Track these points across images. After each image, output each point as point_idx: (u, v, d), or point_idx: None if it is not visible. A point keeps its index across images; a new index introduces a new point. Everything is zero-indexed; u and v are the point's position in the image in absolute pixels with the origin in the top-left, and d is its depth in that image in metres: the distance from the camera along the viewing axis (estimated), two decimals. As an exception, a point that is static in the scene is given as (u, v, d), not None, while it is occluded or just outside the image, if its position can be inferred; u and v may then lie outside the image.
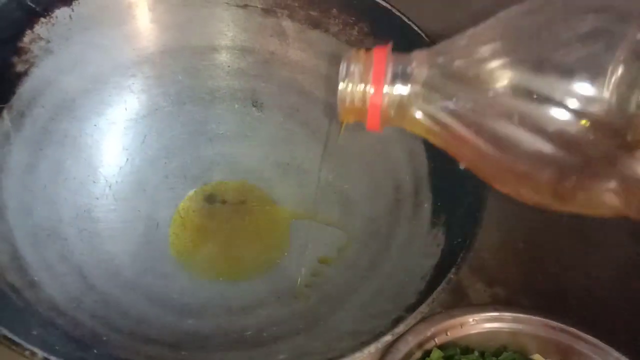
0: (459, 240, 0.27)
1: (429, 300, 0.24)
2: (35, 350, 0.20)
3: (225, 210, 0.37)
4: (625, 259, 0.42)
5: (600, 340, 0.35)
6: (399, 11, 0.36)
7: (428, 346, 0.35)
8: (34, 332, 0.22)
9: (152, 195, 0.36)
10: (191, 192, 0.38)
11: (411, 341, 0.35)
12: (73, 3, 0.34)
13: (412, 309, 0.24)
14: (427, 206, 0.32)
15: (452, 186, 0.31)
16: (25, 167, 0.32)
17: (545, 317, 0.36)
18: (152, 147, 0.38)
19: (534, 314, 0.36)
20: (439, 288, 0.24)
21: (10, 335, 0.21)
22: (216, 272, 0.34)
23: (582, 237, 0.43)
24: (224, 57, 0.40)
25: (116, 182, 0.36)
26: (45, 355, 0.20)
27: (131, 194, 0.36)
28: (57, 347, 0.21)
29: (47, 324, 0.24)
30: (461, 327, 0.36)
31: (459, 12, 0.56)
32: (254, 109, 0.41)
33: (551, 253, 0.42)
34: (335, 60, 0.40)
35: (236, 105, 0.40)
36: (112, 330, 0.27)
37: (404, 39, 0.35)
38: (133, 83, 0.38)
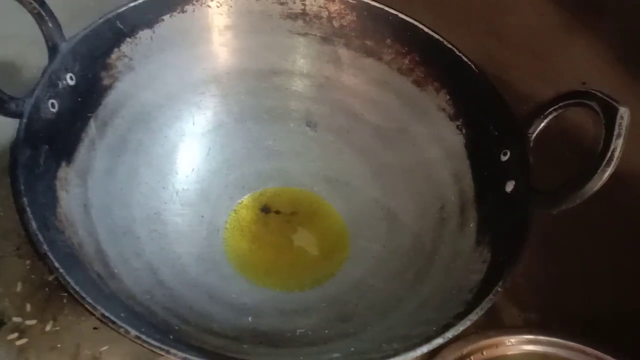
0: (505, 257, 0.29)
1: (478, 309, 0.26)
2: (129, 329, 0.23)
3: (278, 220, 0.40)
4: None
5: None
6: (450, 43, 0.38)
7: (464, 364, 0.37)
8: (123, 315, 0.25)
9: (214, 203, 0.39)
10: (248, 202, 0.41)
11: (448, 357, 0.37)
12: (155, 26, 0.38)
13: (461, 316, 0.26)
14: (472, 225, 0.34)
15: (498, 208, 0.33)
16: (106, 170, 0.35)
17: (580, 342, 0.37)
18: (215, 159, 0.41)
19: (569, 339, 0.37)
20: (488, 298, 0.26)
21: (107, 314, 0.23)
22: (270, 280, 0.37)
23: (615, 264, 0.43)
24: (282, 80, 0.43)
25: (183, 189, 0.39)
26: (137, 334, 0.23)
27: (196, 201, 0.39)
28: (142, 329, 0.24)
29: (129, 310, 0.27)
30: (497, 348, 0.38)
31: (500, 44, 0.58)
32: (307, 128, 0.43)
33: (584, 280, 0.43)
34: (385, 86, 0.43)
35: (291, 125, 0.43)
36: (181, 321, 0.29)
37: (454, 69, 0.38)
38: (201, 100, 0.41)
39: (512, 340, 0.38)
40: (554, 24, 0.63)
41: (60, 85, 0.32)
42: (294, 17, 0.41)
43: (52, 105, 0.31)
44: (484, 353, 0.38)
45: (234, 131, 0.42)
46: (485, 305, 0.26)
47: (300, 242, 0.39)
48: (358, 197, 0.41)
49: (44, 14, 0.32)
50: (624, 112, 0.28)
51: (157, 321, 0.28)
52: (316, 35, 0.42)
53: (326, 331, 0.32)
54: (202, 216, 0.38)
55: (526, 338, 0.38)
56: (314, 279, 0.37)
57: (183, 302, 0.32)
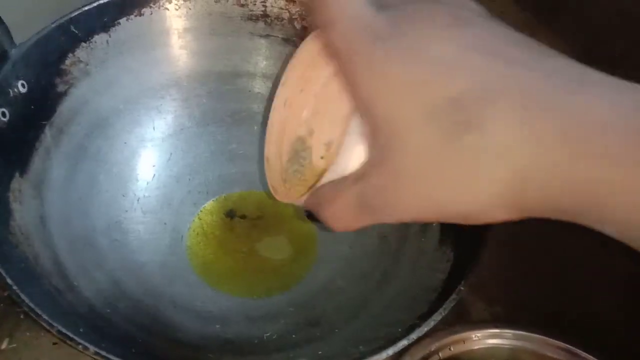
0: (467, 256, 0.29)
1: (441, 309, 0.26)
2: (87, 345, 0.22)
3: (244, 225, 0.40)
4: (623, 279, 0.44)
5: (598, 358, 0.37)
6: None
7: (432, 360, 0.37)
8: (81, 330, 0.24)
9: (177, 210, 0.39)
10: (213, 207, 0.40)
11: (416, 355, 0.37)
12: (111, 30, 0.37)
13: (425, 317, 0.27)
14: (435, 225, 0.34)
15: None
16: (64, 180, 0.34)
17: (545, 334, 0.38)
18: (177, 164, 0.40)
19: (534, 332, 0.38)
20: (450, 298, 0.27)
21: (64, 330, 0.23)
22: (237, 287, 0.36)
23: (581, 257, 0.45)
24: (245, 83, 0.42)
25: (144, 196, 0.38)
26: (96, 350, 0.22)
27: (158, 208, 0.38)
28: (102, 345, 0.23)
29: (89, 325, 0.26)
30: (464, 343, 0.38)
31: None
32: (271, 131, 0.43)
33: (551, 274, 0.44)
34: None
35: (255, 127, 0.43)
36: (144, 333, 0.29)
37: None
38: (161, 104, 0.40)
39: (478, 334, 0.38)
40: (514, 23, 0.64)
41: (11, 93, 0.31)
42: (255, 18, 0.41)
43: (3, 114, 0.30)
44: (452, 349, 0.38)
45: (196, 135, 0.41)
46: (448, 305, 0.26)
47: (266, 247, 0.39)
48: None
49: (-10, 18, 0.30)
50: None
51: (119, 334, 0.28)
52: (278, 36, 0.41)
53: (294, 336, 0.32)
54: (165, 223, 0.37)
55: (491, 332, 0.39)
56: (281, 283, 0.37)
57: (147, 313, 0.31)
